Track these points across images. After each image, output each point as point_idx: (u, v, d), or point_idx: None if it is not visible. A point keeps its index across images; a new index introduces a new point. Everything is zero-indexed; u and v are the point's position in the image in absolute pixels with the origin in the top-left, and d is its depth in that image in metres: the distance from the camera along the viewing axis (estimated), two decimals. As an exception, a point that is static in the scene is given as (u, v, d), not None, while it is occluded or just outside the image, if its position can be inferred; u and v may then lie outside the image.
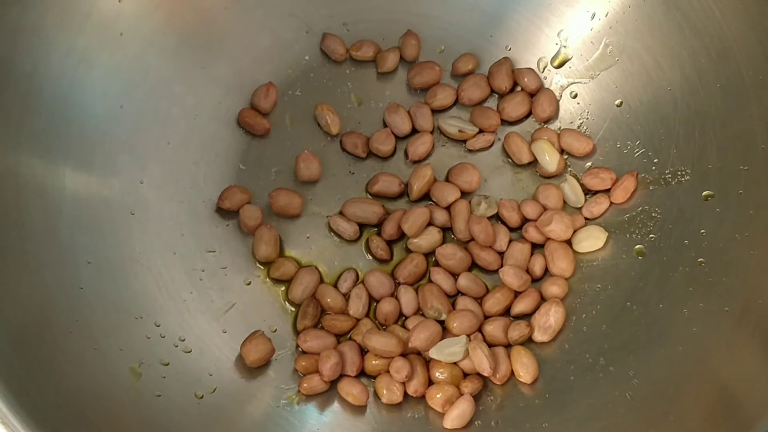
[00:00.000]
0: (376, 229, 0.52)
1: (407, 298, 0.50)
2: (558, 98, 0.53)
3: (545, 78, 0.53)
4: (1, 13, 0.45)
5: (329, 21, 0.54)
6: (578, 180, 0.51)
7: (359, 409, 0.48)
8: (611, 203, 0.50)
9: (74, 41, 0.48)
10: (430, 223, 0.51)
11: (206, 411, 0.46)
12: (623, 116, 0.51)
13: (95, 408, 0.43)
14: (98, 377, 0.44)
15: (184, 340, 0.48)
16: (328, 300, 0.50)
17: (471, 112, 0.53)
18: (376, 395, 0.48)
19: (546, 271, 0.50)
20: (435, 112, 0.53)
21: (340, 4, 0.54)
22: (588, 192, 0.51)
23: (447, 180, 0.52)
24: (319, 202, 0.52)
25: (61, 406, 0.42)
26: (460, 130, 0.52)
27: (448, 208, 0.51)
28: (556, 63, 0.53)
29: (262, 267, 0.51)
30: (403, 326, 0.49)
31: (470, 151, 0.53)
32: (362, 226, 0.52)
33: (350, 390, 0.47)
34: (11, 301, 0.43)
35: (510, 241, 0.50)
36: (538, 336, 0.48)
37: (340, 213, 0.52)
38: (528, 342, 0.48)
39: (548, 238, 0.50)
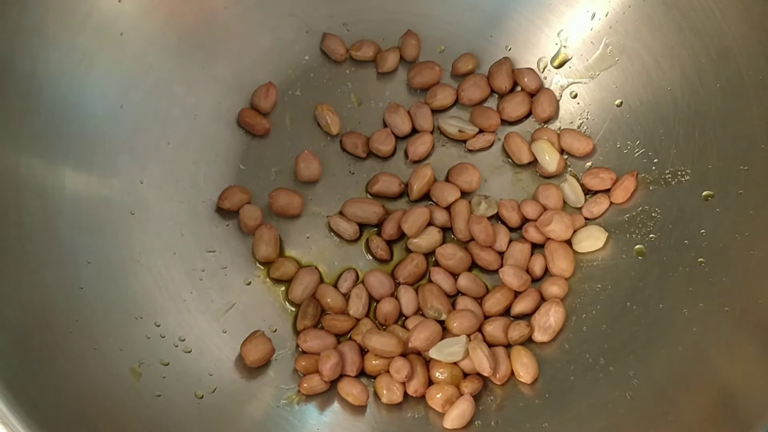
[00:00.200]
0: (376, 229, 0.52)
1: (407, 298, 0.50)
2: (558, 98, 0.53)
3: (545, 78, 0.53)
4: (1, 13, 0.45)
5: (329, 21, 0.54)
6: (578, 180, 0.51)
7: (359, 409, 0.48)
8: (611, 203, 0.50)
9: (74, 41, 0.48)
10: (430, 223, 0.51)
11: (206, 411, 0.46)
12: (623, 116, 0.51)
13: (95, 408, 0.43)
14: (98, 377, 0.44)
15: (184, 340, 0.48)
16: (328, 300, 0.50)
17: (471, 112, 0.53)
18: (376, 395, 0.48)
19: (546, 271, 0.50)
20: (435, 112, 0.53)
21: (340, 4, 0.54)
22: (588, 192, 0.51)
23: (447, 180, 0.52)
24: (319, 202, 0.52)
25: (61, 406, 0.42)
26: (460, 130, 0.52)
27: (448, 208, 0.51)
28: (556, 63, 0.53)
29: (262, 267, 0.51)
30: (403, 326, 0.49)
31: (470, 151, 0.53)
32: (362, 226, 0.52)
33: (350, 390, 0.47)
34: (11, 301, 0.43)
35: (510, 241, 0.50)
36: (538, 336, 0.48)
37: (340, 213, 0.52)
38: (528, 342, 0.48)
39: (548, 238, 0.50)
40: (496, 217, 0.51)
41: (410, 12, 0.54)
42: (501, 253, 0.50)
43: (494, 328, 0.48)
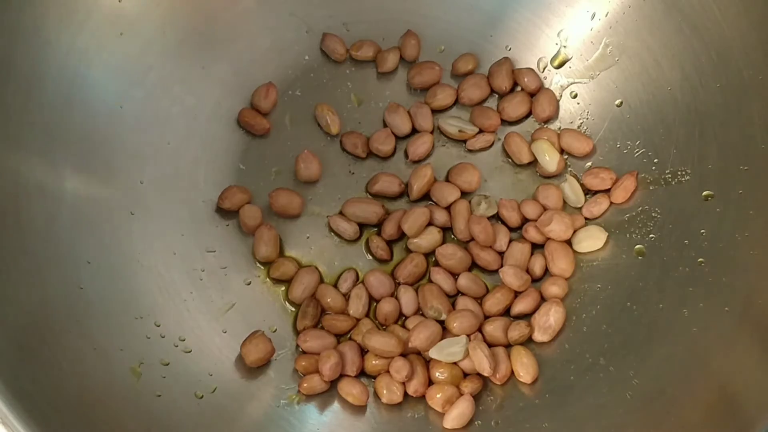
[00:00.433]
0: (376, 229, 0.52)
1: (407, 298, 0.50)
2: (558, 98, 0.53)
3: (545, 78, 0.53)
4: (1, 13, 0.45)
5: (329, 21, 0.54)
6: (578, 180, 0.51)
7: (359, 409, 0.48)
8: (611, 203, 0.50)
9: (74, 41, 0.48)
10: (430, 223, 0.51)
11: (206, 411, 0.46)
12: (623, 116, 0.51)
13: (95, 408, 0.43)
14: (98, 377, 0.44)
15: (184, 340, 0.48)
16: (328, 300, 0.50)
17: (471, 112, 0.53)
18: (376, 395, 0.48)
19: (546, 271, 0.50)
20: (435, 112, 0.53)
21: (340, 4, 0.54)
22: (588, 192, 0.51)
23: (447, 180, 0.52)
24: (319, 202, 0.52)
25: (61, 406, 0.42)
26: (460, 130, 0.52)
27: (448, 208, 0.51)
28: (556, 63, 0.53)
29: (262, 267, 0.51)
30: (403, 326, 0.49)
31: (470, 151, 0.53)
32: (362, 226, 0.52)
33: (350, 390, 0.47)
34: (11, 301, 0.43)
35: (510, 241, 0.50)
36: (538, 336, 0.48)
37: (340, 213, 0.52)
38: (528, 342, 0.48)
39: (548, 238, 0.50)
40: (496, 217, 0.51)
41: (410, 12, 0.54)
42: (501, 253, 0.50)
43: (494, 328, 0.48)
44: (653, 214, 0.49)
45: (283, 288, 0.51)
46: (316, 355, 0.48)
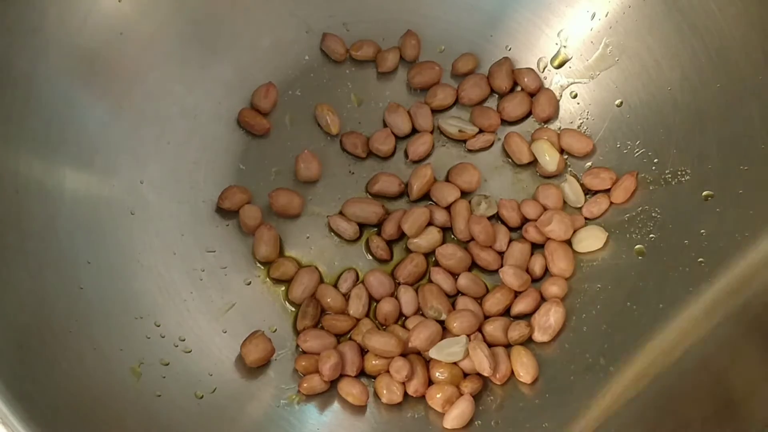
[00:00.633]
0: (376, 229, 0.52)
1: (407, 298, 0.50)
2: (558, 98, 0.53)
3: (545, 78, 0.53)
4: (1, 13, 0.45)
5: (329, 21, 0.54)
6: (578, 180, 0.51)
7: (359, 409, 0.48)
8: (611, 203, 0.50)
9: (74, 41, 0.48)
10: (430, 223, 0.51)
11: (206, 411, 0.46)
12: (623, 116, 0.51)
13: (95, 408, 0.43)
14: (98, 377, 0.44)
15: (184, 340, 0.48)
16: (328, 300, 0.50)
17: (471, 112, 0.53)
18: (376, 395, 0.48)
19: (546, 271, 0.50)
20: (435, 112, 0.53)
21: (340, 4, 0.54)
22: (588, 192, 0.51)
23: (447, 180, 0.52)
24: (319, 202, 0.52)
25: (61, 406, 0.42)
26: (460, 130, 0.52)
27: (448, 208, 0.51)
28: (556, 63, 0.53)
29: (262, 267, 0.51)
30: (403, 326, 0.49)
31: (470, 151, 0.53)
32: (362, 226, 0.52)
33: (350, 390, 0.47)
34: (11, 301, 0.43)
35: (510, 241, 0.50)
36: (538, 336, 0.48)
37: (340, 213, 0.52)
38: (528, 342, 0.48)
39: (548, 238, 0.50)
40: (496, 217, 0.51)
41: (410, 12, 0.54)
42: (501, 253, 0.50)
43: (494, 328, 0.48)
44: (653, 214, 0.49)
45: (283, 288, 0.51)
46: (316, 355, 0.48)
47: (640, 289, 0.48)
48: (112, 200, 0.49)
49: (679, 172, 0.49)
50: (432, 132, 0.53)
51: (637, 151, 0.50)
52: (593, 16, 0.52)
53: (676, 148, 0.49)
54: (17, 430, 0.40)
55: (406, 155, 0.53)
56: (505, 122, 0.53)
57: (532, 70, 0.53)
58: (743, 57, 0.47)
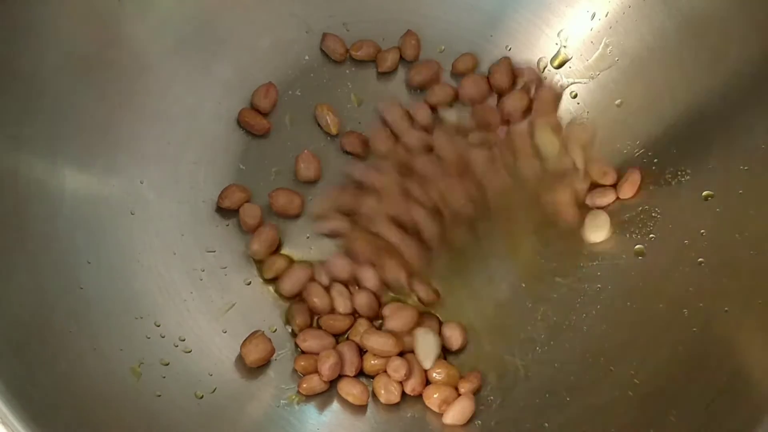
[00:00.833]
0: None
1: (368, 276, 0.50)
2: (560, 92, 0.53)
3: (545, 78, 0.53)
4: (1, 13, 0.45)
5: (329, 21, 0.54)
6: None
7: (359, 409, 0.48)
8: (617, 197, 0.50)
9: (74, 41, 0.48)
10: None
11: (206, 411, 0.46)
12: (623, 116, 0.51)
13: (95, 408, 0.43)
14: (98, 377, 0.44)
15: (184, 340, 0.48)
16: (315, 300, 0.50)
17: (471, 110, 0.53)
18: (374, 395, 0.48)
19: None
20: (435, 111, 0.53)
21: (340, 4, 0.54)
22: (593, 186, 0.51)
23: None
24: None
25: (61, 406, 0.42)
26: (458, 119, 0.53)
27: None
28: (556, 63, 0.53)
29: (255, 265, 0.51)
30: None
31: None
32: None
33: (350, 390, 0.47)
34: (11, 301, 0.43)
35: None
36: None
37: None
38: (526, 341, 0.48)
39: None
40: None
41: (410, 12, 0.54)
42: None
43: None
44: (653, 214, 0.49)
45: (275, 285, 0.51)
46: (315, 355, 0.48)
47: (640, 289, 0.48)
48: (112, 200, 0.49)
49: (679, 172, 0.49)
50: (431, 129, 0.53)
51: (637, 151, 0.50)
52: (593, 16, 0.52)
53: (676, 148, 0.49)
54: (17, 430, 0.40)
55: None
56: (506, 121, 0.53)
57: (531, 68, 0.53)
58: (743, 57, 0.47)
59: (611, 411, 0.45)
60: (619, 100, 0.51)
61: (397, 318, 0.48)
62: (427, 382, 0.48)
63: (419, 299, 0.50)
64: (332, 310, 0.50)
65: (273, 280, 0.51)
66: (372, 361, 0.48)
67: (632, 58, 0.51)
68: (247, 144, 0.53)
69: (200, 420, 0.46)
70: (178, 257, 0.50)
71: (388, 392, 0.47)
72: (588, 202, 0.50)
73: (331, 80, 0.54)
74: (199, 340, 0.48)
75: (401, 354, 0.48)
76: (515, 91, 0.53)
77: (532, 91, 0.53)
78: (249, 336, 0.48)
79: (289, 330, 0.50)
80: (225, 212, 0.51)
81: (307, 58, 0.54)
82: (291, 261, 0.51)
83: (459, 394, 0.47)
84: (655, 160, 0.50)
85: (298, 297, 0.50)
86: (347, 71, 0.54)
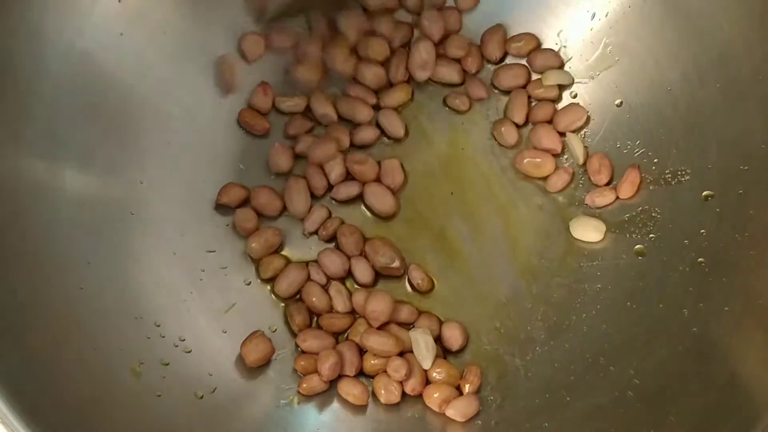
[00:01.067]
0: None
1: (361, 268, 0.50)
2: (558, 95, 0.53)
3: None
4: (1, 13, 0.45)
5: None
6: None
7: (359, 409, 0.48)
8: (617, 197, 0.50)
9: (74, 41, 0.48)
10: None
11: (206, 411, 0.46)
12: (623, 116, 0.51)
13: (95, 408, 0.43)
14: (98, 377, 0.44)
15: (184, 340, 0.48)
16: (314, 299, 0.49)
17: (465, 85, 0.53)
18: (375, 395, 0.48)
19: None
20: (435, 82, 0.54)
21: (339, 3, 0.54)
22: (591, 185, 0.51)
23: None
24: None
25: (61, 406, 0.42)
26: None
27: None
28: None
29: (254, 263, 0.51)
30: (400, 325, 0.49)
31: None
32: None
33: (351, 390, 0.47)
34: (11, 301, 0.43)
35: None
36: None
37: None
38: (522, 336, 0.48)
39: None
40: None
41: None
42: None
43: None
44: (653, 214, 0.49)
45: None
46: (315, 355, 0.48)
47: (640, 289, 0.48)
48: (112, 200, 0.49)
49: (679, 172, 0.49)
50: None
51: (637, 151, 0.50)
52: (593, 16, 0.52)
53: (676, 148, 0.49)
54: (17, 430, 0.40)
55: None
56: (499, 91, 0.53)
57: (528, 33, 0.53)
58: (743, 57, 0.47)
59: (611, 411, 0.45)
60: (619, 100, 0.51)
61: (375, 302, 0.48)
62: (428, 381, 0.48)
63: (413, 286, 0.50)
64: (331, 309, 0.50)
65: (271, 280, 0.50)
66: (372, 361, 0.48)
67: (632, 58, 0.51)
68: (247, 144, 0.53)
69: (200, 420, 0.46)
70: (178, 257, 0.50)
71: (389, 392, 0.47)
72: (588, 201, 0.51)
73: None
74: (199, 340, 0.48)
75: (401, 354, 0.48)
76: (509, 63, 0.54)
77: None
78: (249, 336, 0.48)
79: (289, 330, 0.50)
80: (225, 211, 0.51)
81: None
82: (288, 261, 0.51)
83: (460, 393, 0.47)
84: (655, 160, 0.50)
85: (296, 297, 0.50)
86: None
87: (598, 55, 0.52)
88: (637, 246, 0.49)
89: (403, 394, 0.47)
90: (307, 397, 0.48)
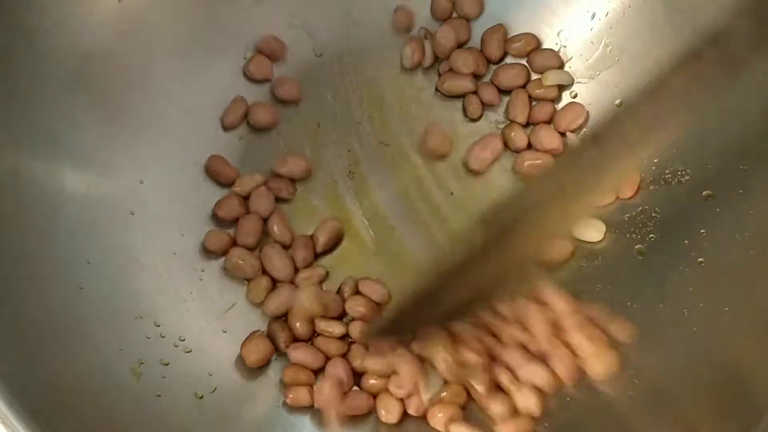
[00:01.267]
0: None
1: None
2: (558, 95, 0.53)
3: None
4: (2, 13, 0.45)
5: (330, 21, 0.54)
6: None
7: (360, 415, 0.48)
8: (617, 197, 0.50)
9: (74, 41, 0.48)
10: None
11: (206, 411, 0.46)
12: (623, 116, 0.51)
13: (95, 408, 0.43)
14: (98, 377, 0.44)
15: (184, 340, 0.48)
16: (297, 325, 0.48)
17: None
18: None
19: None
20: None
21: (341, 3, 0.54)
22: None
23: None
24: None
25: (61, 406, 0.42)
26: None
27: None
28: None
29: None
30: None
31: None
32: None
33: (350, 403, 0.46)
34: (11, 302, 0.43)
35: None
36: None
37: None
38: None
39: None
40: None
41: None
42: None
43: None
44: (653, 214, 0.49)
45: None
46: (303, 368, 0.47)
47: (640, 289, 0.48)
48: (112, 200, 0.49)
49: (679, 172, 0.49)
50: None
51: (637, 151, 0.50)
52: (593, 16, 0.52)
53: (676, 148, 0.49)
54: (17, 430, 0.40)
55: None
56: (502, 91, 0.53)
57: (528, 34, 0.53)
58: (743, 57, 0.47)
59: (611, 411, 0.45)
60: (619, 100, 0.51)
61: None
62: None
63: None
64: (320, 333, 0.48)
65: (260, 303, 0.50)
66: (371, 381, 0.47)
67: (632, 58, 0.51)
68: (247, 144, 0.53)
69: (200, 420, 0.46)
70: (178, 257, 0.50)
71: (389, 413, 0.46)
72: None
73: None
74: (199, 340, 0.48)
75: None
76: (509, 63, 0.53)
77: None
78: (249, 336, 0.48)
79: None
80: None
81: (306, 58, 0.54)
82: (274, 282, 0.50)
83: (463, 410, 0.46)
84: (655, 160, 0.50)
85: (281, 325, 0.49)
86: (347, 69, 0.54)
87: (598, 55, 0.52)
88: (637, 246, 0.49)
89: (403, 413, 0.47)
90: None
